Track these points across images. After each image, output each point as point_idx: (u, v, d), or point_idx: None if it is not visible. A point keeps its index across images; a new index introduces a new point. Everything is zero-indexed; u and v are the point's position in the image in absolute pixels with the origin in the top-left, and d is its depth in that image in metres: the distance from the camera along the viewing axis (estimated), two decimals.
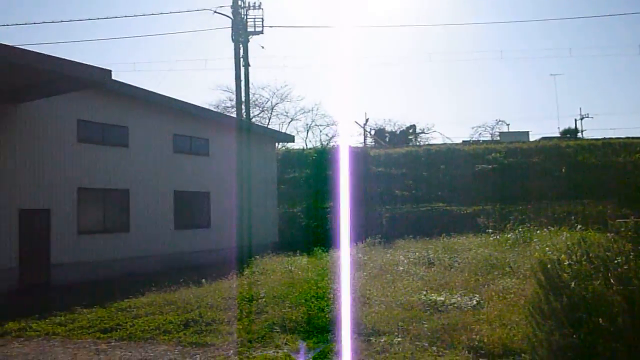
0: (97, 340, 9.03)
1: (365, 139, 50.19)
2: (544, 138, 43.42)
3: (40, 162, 16.37)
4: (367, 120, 50.81)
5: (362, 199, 31.28)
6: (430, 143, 47.39)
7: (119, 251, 18.49)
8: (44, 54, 13.43)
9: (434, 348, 7.47)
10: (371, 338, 8.00)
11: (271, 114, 51.70)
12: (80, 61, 14.15)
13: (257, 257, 18.76)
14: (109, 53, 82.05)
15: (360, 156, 36.62)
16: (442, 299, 9.89)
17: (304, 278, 12.99)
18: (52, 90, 15.24)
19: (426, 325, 8.33)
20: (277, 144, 31.99)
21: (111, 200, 18.61)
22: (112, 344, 8.75)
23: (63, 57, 13.67)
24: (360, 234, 24.81)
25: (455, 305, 9.50)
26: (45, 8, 75.49)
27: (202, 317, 9.80)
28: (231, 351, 7.86)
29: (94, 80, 14.90)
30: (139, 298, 12.19)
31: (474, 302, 9.66)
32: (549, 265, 5.78)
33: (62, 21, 67.90)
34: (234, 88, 38.17)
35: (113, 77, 15.13)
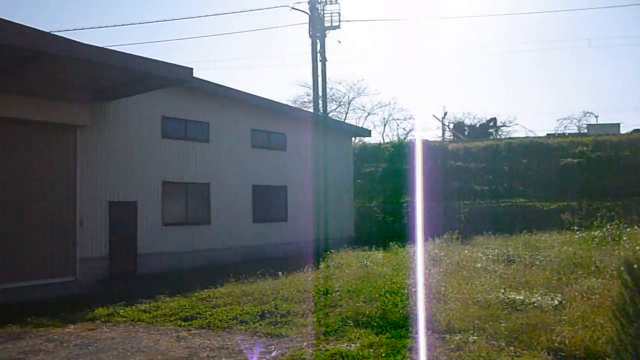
0: (178, 327, 9.43)
1: (443, 133, 49.22)
2: (636, 130, 40.86)
3: (128, 156, 17.24)
4: (445, 113, 49.80)
5: (440, 194, 30.76)
6: (512, 137, 45.79)
7: (200, 243, 19.20)
8: (131, 54, 14.11)
9: (511, 348, 7.25)
10: (446, 335, 7.87)
11: (348, 108, 51.80)
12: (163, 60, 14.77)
13: (333, 250, 18.90)
14: (190, 51, 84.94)
15: (438, 150, 35.99)
16: (522, 297, 9.56)
17: (379, 273, 12.96)
18: (139, 88, 16.00)
19: (503, 324, 8.09)
20: (353, 139, 32.04)
21: (193, 194, 19.33)
22: (192, 331, 9.10)
23: (148, 57, 14.31)
24: (438, 229, 24.36)
25: (535, 304, 9.15)
26: (125, 9, 79.13)
27: (278, 309, 10.00)
28: (305, 343, 7.97)
29: (177, 78, 15.49)
30: (218, 288, 12.61)
31: (556, 302, 9.26)
32: (635, 265, 5.46)
33: (142, 23, 70.91)
34: (311, 83, 38.54)
35: (194, 75, 15.70)
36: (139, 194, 17.51)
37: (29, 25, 12.17)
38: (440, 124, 49.73)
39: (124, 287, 14.25)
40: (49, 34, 13.99)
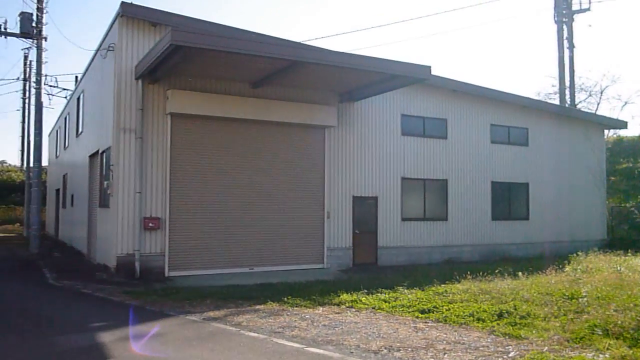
0: (415, 318, 9.75)
1: None
2: None
3: (369, 153, 18.28)
4: None
5: None
6: None
7: (437, 239, 19.44)
8: (371, 57, 14.92)
9: None
10: None
11: (600, 98, 46.95)
12: (402, 60, 15.28)
13: (580, 253, 17.55)
14: (428, 47, 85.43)
15: None
16: None
17: (636, 280, 11.69)
18: (380, 88, 16.82)
19: None
20: (606, 131, 29.07)
21: (430, 190, 19.64)
22: (429, 324, 9.34)
23: (389, 58, 14.95)
24: None
25: None
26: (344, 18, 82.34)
27: (517, 310, 9.70)
28: (546, 348, 7.63)
29: (415, 77, 15.89)
30: (455, 284, 12.67)
31: None
32: None
33: (384, 25, 73.43)
34: (556, 73, 36.05)
35: (432, 72, 15.92)
36: (380, 190, 18.41)
37: (284, 38, 13.71)
38: None
39: (366, 277, 15.12)
40: (300, 43, 15.55)
